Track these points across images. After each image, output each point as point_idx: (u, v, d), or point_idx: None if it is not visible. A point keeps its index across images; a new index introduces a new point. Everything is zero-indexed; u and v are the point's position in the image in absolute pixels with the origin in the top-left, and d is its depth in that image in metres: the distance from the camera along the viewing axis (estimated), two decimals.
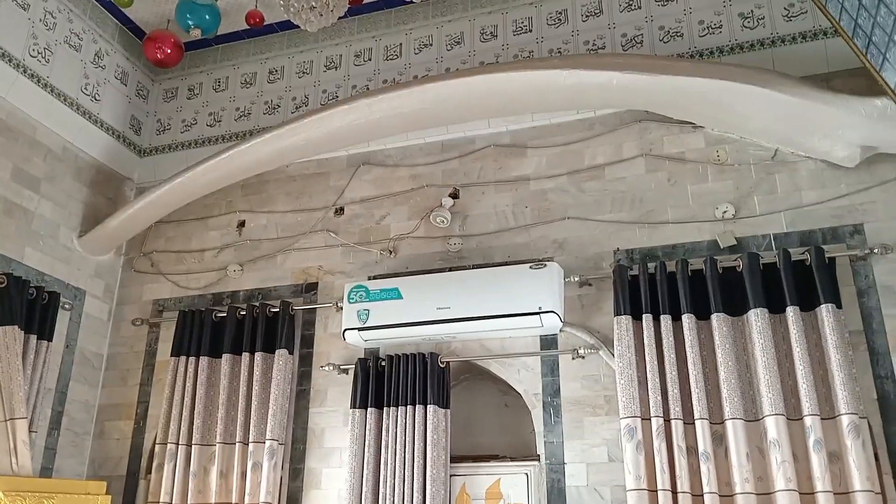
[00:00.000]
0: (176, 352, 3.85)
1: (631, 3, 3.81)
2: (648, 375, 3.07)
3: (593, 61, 3.38)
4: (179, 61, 4.17)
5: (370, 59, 4.24)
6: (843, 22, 2.80)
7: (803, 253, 3.07)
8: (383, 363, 3.52)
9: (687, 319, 3.10)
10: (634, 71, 3.21)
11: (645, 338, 3.13)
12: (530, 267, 3.33)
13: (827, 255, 3.03)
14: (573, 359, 3.30)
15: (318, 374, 3.70)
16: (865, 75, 3.18)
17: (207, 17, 3.27)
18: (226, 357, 3.74)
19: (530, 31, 3.95)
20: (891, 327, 2.94)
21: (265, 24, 4.26)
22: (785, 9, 3.51)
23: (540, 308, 3.23)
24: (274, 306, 3.78)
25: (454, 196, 3.78)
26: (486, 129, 3.83)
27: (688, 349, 3.06)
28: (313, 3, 2.93)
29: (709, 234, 3.31)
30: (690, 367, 3.03)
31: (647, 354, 3.10)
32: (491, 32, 4.04)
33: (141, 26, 4.44)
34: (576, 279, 3.36)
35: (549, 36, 3.90)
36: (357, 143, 3.94)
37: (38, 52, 3.89)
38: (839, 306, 2.94)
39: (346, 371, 3.62)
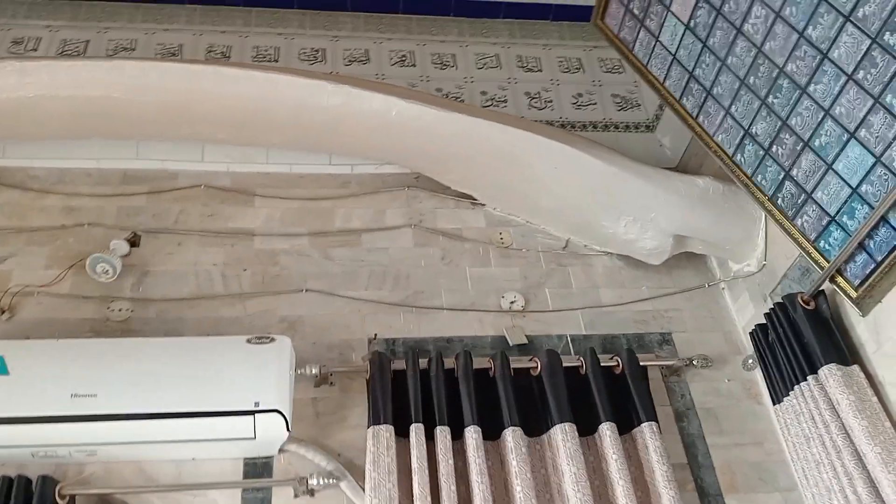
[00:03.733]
0: None
1: (405, 58, 3.16)
2: None
3: (372, 84, 2.57)
4: None
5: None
6: (671, 80, 2.39)
7: (611, 359, 2.36)
8: None
9: (473, 435, 2.11)
10: (420, 102, 2.45)
11: (414, 460, 2.04)
12: (248, 340, 2.13)
13: (641, 363, 2.37)
14: (297, 496, 2.05)
15: None
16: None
17: None
18: None
19: (276, 60, 3.06)
20: (720, 462, 2.27)
21: None
22: (573, 97, 3.13)
23: (257, 405, 2.00)
24: None
25: (132, 243, 2.48)
26: (199, 163, 2.70)
27: (474, 479, 2.03)
28: None
29: (493, 327, 2.48)
30: None
31: (416, 486, 2.00)
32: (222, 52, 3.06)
33: None
34: (311, 372, 2.22)
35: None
36: None
37: None
38: (660, 430, 2.23)
39: None
